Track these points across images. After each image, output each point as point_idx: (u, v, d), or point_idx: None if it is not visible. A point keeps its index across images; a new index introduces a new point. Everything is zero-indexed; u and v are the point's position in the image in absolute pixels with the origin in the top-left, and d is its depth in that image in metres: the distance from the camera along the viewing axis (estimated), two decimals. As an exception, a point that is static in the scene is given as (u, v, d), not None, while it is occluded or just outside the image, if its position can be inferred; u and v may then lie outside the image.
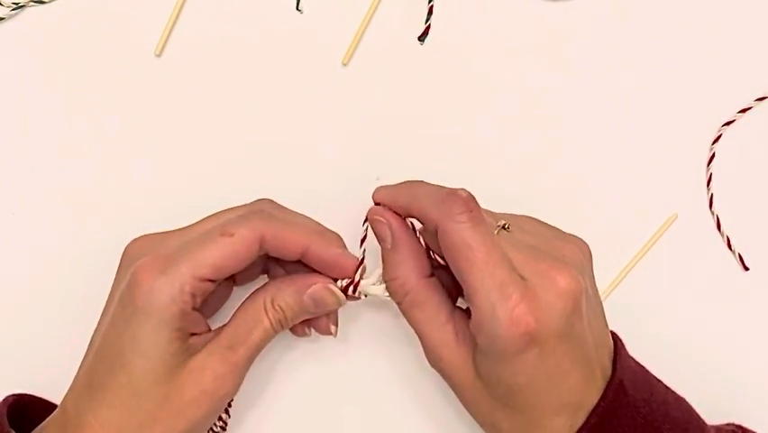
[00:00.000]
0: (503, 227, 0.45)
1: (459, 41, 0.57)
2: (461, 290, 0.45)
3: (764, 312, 0.56)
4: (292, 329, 0.49)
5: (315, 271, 0.48)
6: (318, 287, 0.47)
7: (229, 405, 0.49)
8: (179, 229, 0.47)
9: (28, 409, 0.48)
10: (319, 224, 0.49)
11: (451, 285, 0.48)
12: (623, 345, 0.48)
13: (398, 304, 0.47)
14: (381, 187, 0.49)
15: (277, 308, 0.47)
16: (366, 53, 0.57)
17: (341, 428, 0.54)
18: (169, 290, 0.44)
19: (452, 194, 0.44)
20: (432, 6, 0.57)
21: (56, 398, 0.48)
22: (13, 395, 0.48)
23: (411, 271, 0.46)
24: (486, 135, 0.56)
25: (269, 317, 0.46)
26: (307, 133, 0.56)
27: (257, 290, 0.48)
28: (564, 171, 0.56)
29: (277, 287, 0.47)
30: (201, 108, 0.56)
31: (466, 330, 0.46)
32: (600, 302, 0.47)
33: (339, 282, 0.48)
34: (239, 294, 0.50)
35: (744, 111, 0.57)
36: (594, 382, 0.45)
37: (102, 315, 0.47)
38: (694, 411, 0.47)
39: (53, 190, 0.55)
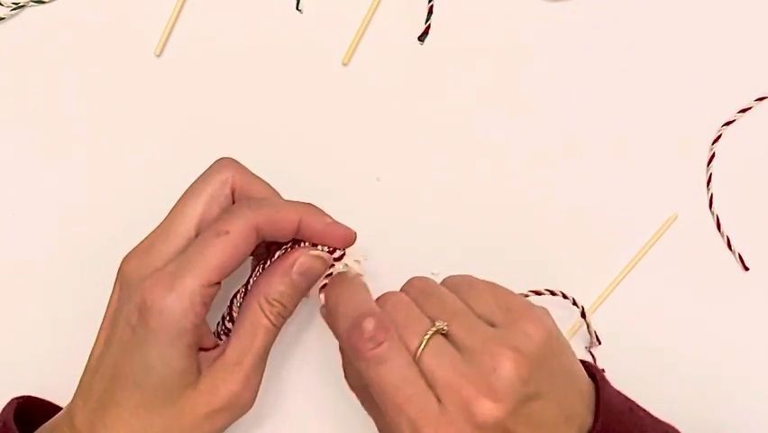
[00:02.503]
0: (438, 331, 0.44)
1: (459, 41, 0.57)
2: None
3: (764, 312, 0.56)
4: None
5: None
6: (301, 259, 0.47)
7: None
8: (159, 230, 0.47)
9: (33, 411, 0.48)
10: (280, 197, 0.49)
11: None
12: (604, 380, 0.46)
13: None
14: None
15: (273, 302, 0.46)
16: (366, 53, 0.57)
17: (337, 420, 0.54)
18: (179, 305, 0.43)
19: (356, 329, 0.43)
20: (432, 6, 0.57)
21: (57, 398, 0.48)
22: (19, 397, 0.48)
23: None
24: (485, 135, 0.56)
25: (267, 317, 0.46)
26: (307, 134, 0.56)
27: (248, 295, 0.47)
28: (564, 171, 0.56)
29: (264, 283, 0.47)
30: (201, 108, 0.56)
31: None
32: (566, 376, 0.45)
33: (320, 248, 0.47)
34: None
35: (744, 111, 0.57)
36: None
37: (102, 334, 0.46)
38: None
39: (53, 190, 0.55)
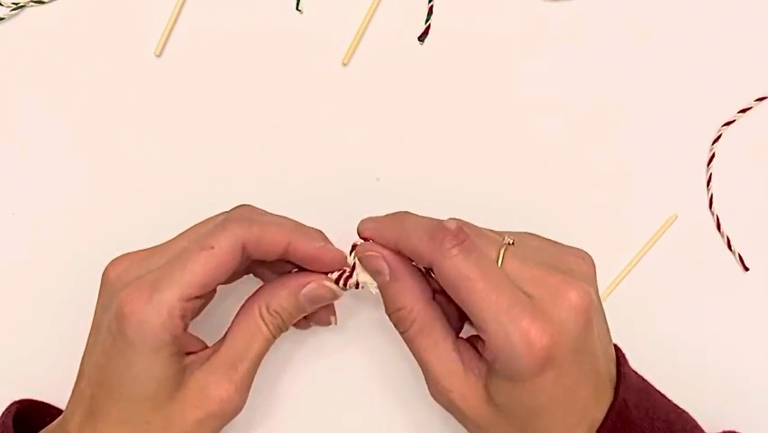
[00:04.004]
0: (509, 243, 0.45)
1: (459, 41, 0.57)
2: (463, 314, 0.45)
3: (764, 312, 0.56)
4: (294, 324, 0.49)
5: (300, 267, 0.47)
6: (313, 285, 0.46)
7: None
8: (159, 246, 0.46)
9: (33, 414, 0.48)
10: (298, 222, 0.47)
11: (450, 310, 0.47)
12: (625, 359, 0.47)
13: (403, 333, 0.47)
14: (367, 220, 0.48)
15: (273, 313, 0.46)
16: (366, 53, 0.57)
17: (340, 422, 0.54)
18: (157, 319, 0.42)
19: (441, 229, 0.43)
20: (432, 6, 0.57)
21: (59, 400, 0.47)
22: (18, 401, 0.48)
23: (416, 297, 0.46)
24: (486, 136, 0.56)
25: (266, 325, 0.46)
26: (307, 134, 0.56)
27: (249, 298, 0.47)
28: (564, 172, 0.56)
29: (270, 292, 0.47)
30: (201, 108, 0.56)
31: (472, 358, 0.45)
32: (605, 315, 0.47)
33: (330, 275, 0.47)
34: (224, 293, 0.50)
35: (744, 111, 0.57)
36: (605, 393, 0.45)
37: (90, 338, 0.46)
38: (697, 425, 0.47)
39: (53, 190, 0.55)
